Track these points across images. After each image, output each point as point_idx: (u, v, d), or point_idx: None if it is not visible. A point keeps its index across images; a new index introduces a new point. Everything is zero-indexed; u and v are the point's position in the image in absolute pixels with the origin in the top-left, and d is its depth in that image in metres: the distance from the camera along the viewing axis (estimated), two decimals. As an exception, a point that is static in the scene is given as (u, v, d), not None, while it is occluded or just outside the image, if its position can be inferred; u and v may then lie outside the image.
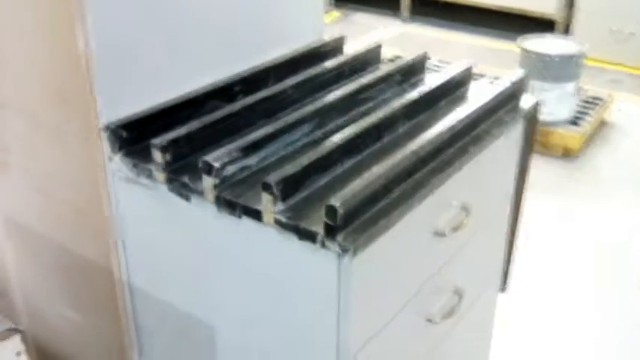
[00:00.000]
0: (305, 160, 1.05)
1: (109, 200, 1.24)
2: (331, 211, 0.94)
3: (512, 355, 1.97)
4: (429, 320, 1.25)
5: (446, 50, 4.22)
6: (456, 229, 1.19)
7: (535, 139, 1.46)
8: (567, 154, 3.13)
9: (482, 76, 3.59)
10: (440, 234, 1.17)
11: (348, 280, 0.98)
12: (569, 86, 3.12)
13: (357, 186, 0.99)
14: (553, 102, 3.08)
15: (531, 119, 1.41)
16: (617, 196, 2.85)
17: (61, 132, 1.24)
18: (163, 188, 1.13)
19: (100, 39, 1.10)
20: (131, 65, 1.18)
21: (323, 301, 1.02)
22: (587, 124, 3.18)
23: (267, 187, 0.99)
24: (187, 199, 1.10)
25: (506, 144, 1.35)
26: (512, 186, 1.45)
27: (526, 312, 2.16)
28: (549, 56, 3.06)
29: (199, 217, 1.12)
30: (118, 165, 1.17)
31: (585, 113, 3.26)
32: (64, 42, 1.11)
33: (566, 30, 4.27)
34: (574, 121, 3.19)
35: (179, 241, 1.19)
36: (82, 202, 1.31)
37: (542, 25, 4.28)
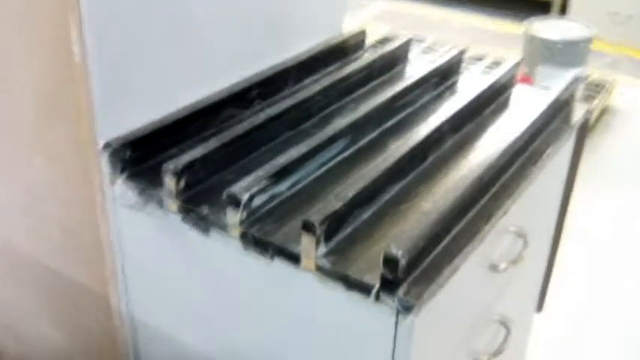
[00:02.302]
0: (349, 191, 0.88)
1: (108, 226, 1.07)
2: (391, 261, 0.77)
3: None
4: (476, 361, 1.10)
5: (440, 30, 4.04)
6: (514, 262, 1.03)
7: (583, 149, 1.30)
8: (572, 143, 3.00)
9: (481, 58, 3.45)
10: (495, 268, 1.02)
11: (408, 340, 0.82)
12: (576, 72, 2.98)
13: (416, 227, 0.83)
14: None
15: (582, 128, 1.26)
16: (626, 183, 2.73)
17: (49, 148, 1.05)
18: (176, 218, 0.95)
19: (99, 43, 0.91)
20: (135, 73, 0.99)
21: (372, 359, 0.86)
22: (592, 111, 3.05)
23: (308, 227, 0.82)
24: (206, 232, 0.93)
25: (557, 158, 1.19)
26: (559, 203, 1.30)
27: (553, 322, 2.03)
28: (555, 42, 2.91)
29: (219, 253, 0.95)
30: (121, 190, 0.99)
31: (590, 99, 3.13)
32: (57, 48, 0.92)
33: (563, 11, 4.11)
34: (579, 109, 3.05)
35: (193, 277, 1.01)
36: (72, 224, 1.13)
37: (538, 5, 4.12)
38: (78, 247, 1.15)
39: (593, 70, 3.36)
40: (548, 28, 3.01)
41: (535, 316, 1.47)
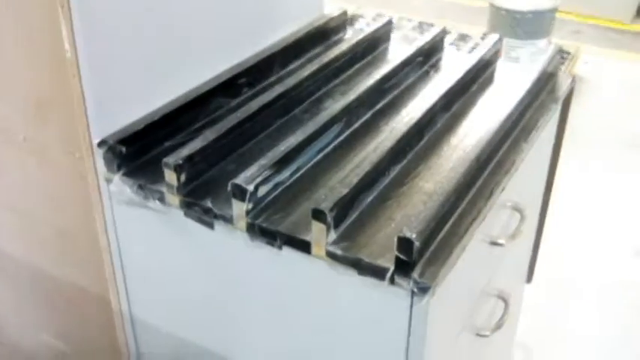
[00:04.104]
0: (353, 176, 0.88)
1: (105, 225, 1.05)
2: (405, 243, 0.78)
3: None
4: (479, 335, 1.12)
5: (404, 5, 4.04)
6: (513, 236, 1.05)
7: (567, 119, 1.32)
8: (540, 113, 3.04)
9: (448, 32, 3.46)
10: (496, 243, 1.03)
11: (423, 321, 0.82)
12: (542, 42, 3.02)
13: (424, 208, 0.83)
14: (526, 60, 2.98)
15: (567, 99, 1.28)
16: (597, 151, 2.78)
17: (41, 149, 1.03)
18: (178, 213, 0.94)
19: (89, 41, 0.89)
20: (125, 68, 0.97)
21: (387, 344, 0.87)
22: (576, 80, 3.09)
23: (319, 215, 0.82)
24: (210, 226, 0.92)
25: (545, 131, 1.21)
26: (546, 175, 1.32)
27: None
28: (521, 12, 2.94)
29: (225, 246, 0.94)
30: (118, 187, 0.97)
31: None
32: (46, 47, 0.90)
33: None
34: (546, 78, 3.09)
35: (197, 272, 1.01)
36: (68, 225, 1.11)
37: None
38: (74, 249, 1.13)
39: (556, 40, 3.40)
40: (512, -1, 3.04)
41: (525, 287, 1.50)
